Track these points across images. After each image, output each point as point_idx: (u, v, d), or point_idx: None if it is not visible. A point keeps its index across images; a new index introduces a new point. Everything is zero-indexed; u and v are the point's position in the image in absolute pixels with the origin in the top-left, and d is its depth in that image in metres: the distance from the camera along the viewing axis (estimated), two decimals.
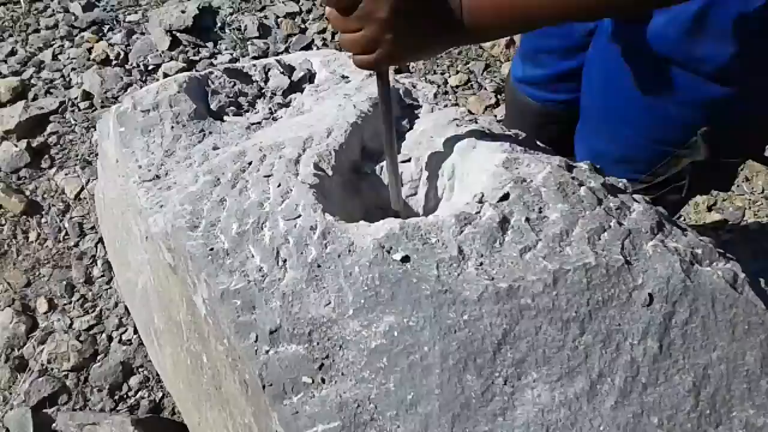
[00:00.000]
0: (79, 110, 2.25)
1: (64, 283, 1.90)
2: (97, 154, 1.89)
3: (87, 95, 2.29)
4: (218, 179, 0.89)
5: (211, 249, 0.80)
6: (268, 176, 0.88)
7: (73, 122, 2.22)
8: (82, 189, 2.09)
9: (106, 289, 1.91)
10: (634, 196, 0.83)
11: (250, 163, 0.91)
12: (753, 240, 2.11)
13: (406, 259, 0.73)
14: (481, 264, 0.73)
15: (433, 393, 0.68)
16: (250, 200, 0.84)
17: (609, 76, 1.05)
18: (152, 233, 0.91)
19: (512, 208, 0.78)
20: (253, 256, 0.78)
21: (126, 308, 1.81)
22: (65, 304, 1.87)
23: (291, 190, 0.85)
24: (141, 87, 2.14)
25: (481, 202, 0.78)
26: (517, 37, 2.23)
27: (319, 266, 0.75)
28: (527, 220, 0.76)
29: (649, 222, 0.77)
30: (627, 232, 0.76)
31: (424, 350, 0.69)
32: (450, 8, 0.77)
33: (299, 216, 0.80)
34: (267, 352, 0.72)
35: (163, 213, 0.88)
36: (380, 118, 0.87)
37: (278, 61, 1.23)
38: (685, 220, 2.17)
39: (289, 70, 1.21)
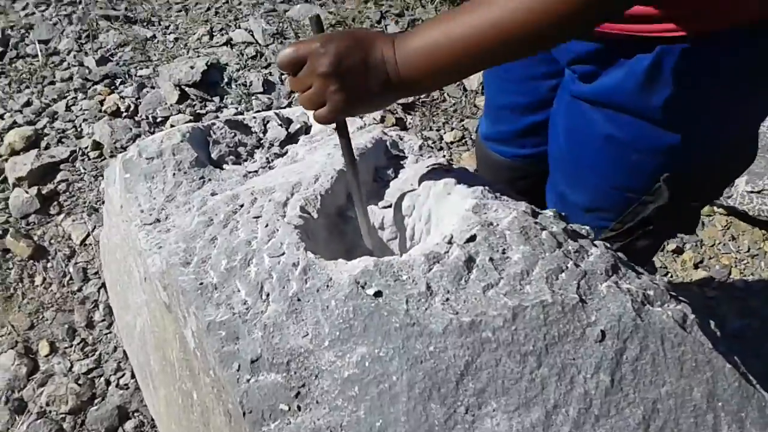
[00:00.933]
0: (89, 159, 2.33)
1: (66, 326, 1.94)
2: (103, 202, 1.96)
3: (97, 145, 2.36)
4: (211, 220, 0.95)
5: (201, 283, 0.84)
6: (258, 217, 0.93)
7: (82, 171, 2.30)
8: (88, 235, 2.15)
9: (106, 334, 1.95)
10: (595, 242, 0.89)
11: (241, 206, 0.97)
12: (738, 298, 2.14)
13: (378, 293, 0.78)
14: (447, 299, 0.78)
15: (399, 420, 0.72)
16: (239, 239, 0.89)
17: (573, 128, 1.10)
18: (150, 273, 0.95)
19: (478, 248, 0.83)
20: (239, 290, 0.83)
21: (125, 353, 1.85)
22: (66, 348, 1.91)
23: (278, 230, 0.90)
24: None
25: (450, 242, 0.84)
26: None
27: (299, 300, 0.80)
28: (491, 260, 0.82)
29: (605, 265, 0.83)
30: (583, 273, 0.81)
31: (392, 379, 0.73)
32: (385, 63, 0.84)
33: (283, 253, 0.86)
34: (248, 380, 0.75)
35: (161, 253, 0.94)
36: (346, 169, 0.95)
37: (277, 114, 1.30)
38: (672, 276, 2.21)
39: (286, 122, 1.29)
